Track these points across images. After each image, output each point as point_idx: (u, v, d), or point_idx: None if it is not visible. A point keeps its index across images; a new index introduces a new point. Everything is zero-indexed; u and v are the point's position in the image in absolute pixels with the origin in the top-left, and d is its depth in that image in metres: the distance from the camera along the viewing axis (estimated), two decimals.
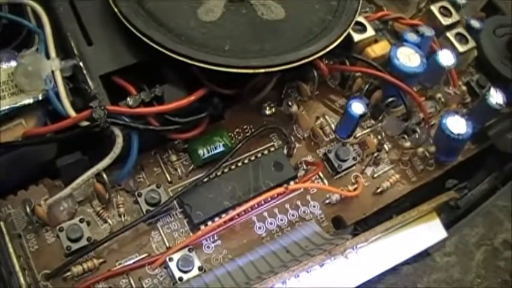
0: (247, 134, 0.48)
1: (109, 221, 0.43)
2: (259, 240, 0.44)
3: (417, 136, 0.49)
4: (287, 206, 0.45)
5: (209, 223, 0.43)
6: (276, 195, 0.44)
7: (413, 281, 0.54)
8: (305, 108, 0.50)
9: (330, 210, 0.46)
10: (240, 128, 0.48)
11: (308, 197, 0.46)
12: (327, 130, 0.49)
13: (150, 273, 0.41)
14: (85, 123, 0.41)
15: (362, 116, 0.46)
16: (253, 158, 0.47)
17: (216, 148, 0.45)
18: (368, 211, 0.46)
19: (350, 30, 0.47)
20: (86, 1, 0.47)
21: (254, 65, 0.43)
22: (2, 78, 0.42)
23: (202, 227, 0.43)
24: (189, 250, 0.41)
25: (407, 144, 0.49)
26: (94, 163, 0.42)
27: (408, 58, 0.48)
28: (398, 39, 0.51)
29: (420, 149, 0.49)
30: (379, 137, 0.49)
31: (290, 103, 0.49)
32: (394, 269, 0.50)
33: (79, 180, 0.41)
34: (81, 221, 0.41)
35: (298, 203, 0.46)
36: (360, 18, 0.50)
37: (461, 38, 0.53)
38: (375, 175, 0.48)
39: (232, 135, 0.47)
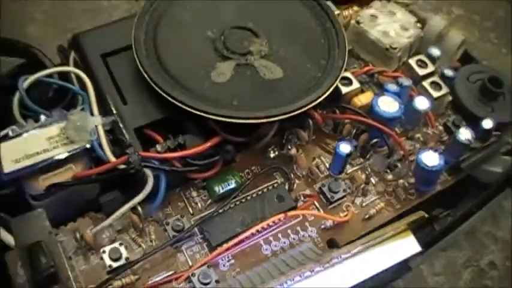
0: (255, 173, 0.50)
1: (142, 245, 0.45)
2: (266, 259, 0.46)
3: (398, 170, 0.52)
4: (289, 231, 0.48)
5: (224, 245, 0.45)
6: (279, 221, 0.47)
7: None
8: (303, 151, 0.52)
9: (325, 234, 0.48)
10: (248, 169, 0.51)
11: (306, 224, 0.48)
12: (322, 168, 0.51)
13: (177, 287, 0.43)
14: (122, 167, 0.44)
15: (349, 154, 0.48)
16: (259, 192, 0.49)
17: (229, 185, 0.48)
18: (358, 234, 0.48)
19: (337, 84, 0.50)
20: (121, 68, 0.50)
21: (258, 116, 0.46)
22: (55, 132, 0.46)
23: (219, 248, 0.45)
24: (208, 267, 0.44)
25: (390, 177, 0.51)
26: (130, 199, 0.44)
27: (388, 105, 0.51)
28: (381, 90, 0.53)
29: (401, 181, 0.51)
30: (367, 172, 0.52)
31: (290, 147, 0.51)
32: None
33: (118, 213, 0.44)
34: (120, 244, 0.44)
35: (298, 228, 0.48)
36: (347, 74, 0.53)
37: (435, 85, 0.55)
38: (364, 204, 0.50)
39: (243, 174, 0.50)
